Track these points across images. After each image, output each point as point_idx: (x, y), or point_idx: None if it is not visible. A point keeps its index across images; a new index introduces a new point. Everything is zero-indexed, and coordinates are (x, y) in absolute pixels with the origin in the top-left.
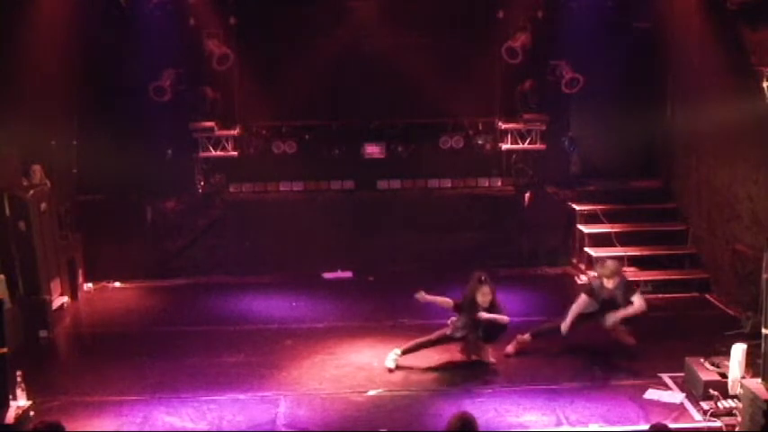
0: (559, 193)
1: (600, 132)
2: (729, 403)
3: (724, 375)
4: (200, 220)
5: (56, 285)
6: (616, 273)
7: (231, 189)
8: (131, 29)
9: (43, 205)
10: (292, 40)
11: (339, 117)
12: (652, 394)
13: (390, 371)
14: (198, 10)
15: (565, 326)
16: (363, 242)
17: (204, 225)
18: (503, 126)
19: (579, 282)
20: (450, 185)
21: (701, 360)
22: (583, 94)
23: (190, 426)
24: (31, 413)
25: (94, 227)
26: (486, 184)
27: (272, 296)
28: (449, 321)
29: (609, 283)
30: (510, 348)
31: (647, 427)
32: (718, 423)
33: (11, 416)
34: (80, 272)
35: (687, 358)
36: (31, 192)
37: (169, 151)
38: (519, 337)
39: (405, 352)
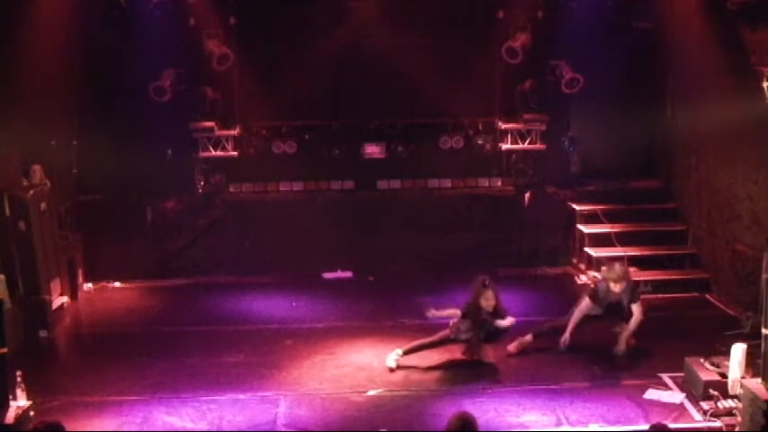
0: (559, 193)
1: (600, 132)
2: (729, 403)
3: (724, 375)
4: (200, 220)
5: (56, 285)
6: (624, 277)
7: (231, 189)
8: (131, 29)
9: (43, 205)
10: (292, 40)
11: (339, 117)
12: (652, 394)
13: (391, 370)
14: (198, 10)
15: (564, 339)
16: (363, 242)
17: (204, 225)
18: (503, 126)
19: (579, 282)
20: (450, 185)
21: (701, 360)
22: (583, 94)
23: (190, 426)
24: (31, 413)
25: (94, 227)
26: (486, 184)
27: (272, 296)
28: (450, 323)
29: (616, 287)
30: (511, 348)
31: (647, 427)
32: (718, 423)
33: (11, 416)
34: (80, 272)
35: (687, 358)
36: (31, 192)
37: (169, 151)
38: (520, 337)
39: (406, 352)
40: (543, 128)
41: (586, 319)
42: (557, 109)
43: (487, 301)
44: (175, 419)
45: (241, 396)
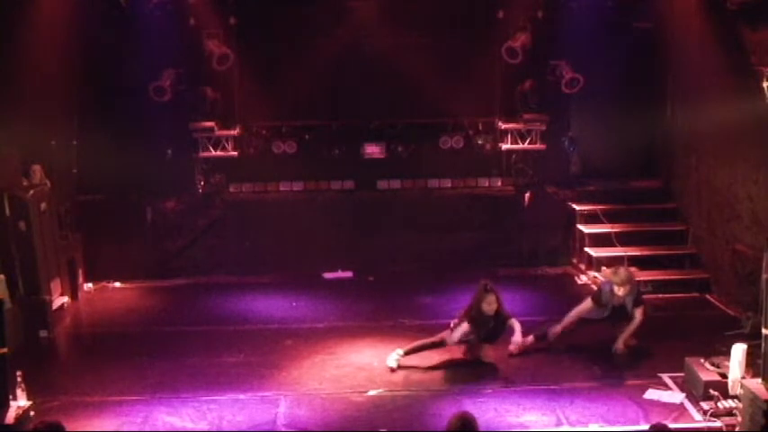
0: (559, 193)
1: (600, 132)
2: (729, 403)
3: (724, 375)
4: (201, 220)
5: (56, 285)
6: (628, 281)
7: (231, 189)
8: (131, 29)
9: (43, 205)
10: (292, 40)
11: (339, 117)
12: (652, 394)
13: (392, 370)
14: (198, 10)
15: (554, 331)
16: (363, 242)
17: (204, 225)
18: (503, 126)
19: (579, 282)
20: (450, 185)
21: (701, 360)
22: (583, 94)
23: (190, 426)
24: (31, 413)
25: (94, 227)
26: (486, 184)
27: (272, 296)
28: (451, 324)
29: (620, 291)
30: (513, 348)
31: (647, 427)
32: (718, 423)
33: (11, 416)
34: (80, 272)
35: (687, 358)
36: (31, 192)
37: (169, 151)
38: (523, 339)
39: (407, 353)
40: (543, 128)
41: (589, 322)
42: (557, 109)
43: (489, 305)
44: (175, 419)
45: (241, 396)
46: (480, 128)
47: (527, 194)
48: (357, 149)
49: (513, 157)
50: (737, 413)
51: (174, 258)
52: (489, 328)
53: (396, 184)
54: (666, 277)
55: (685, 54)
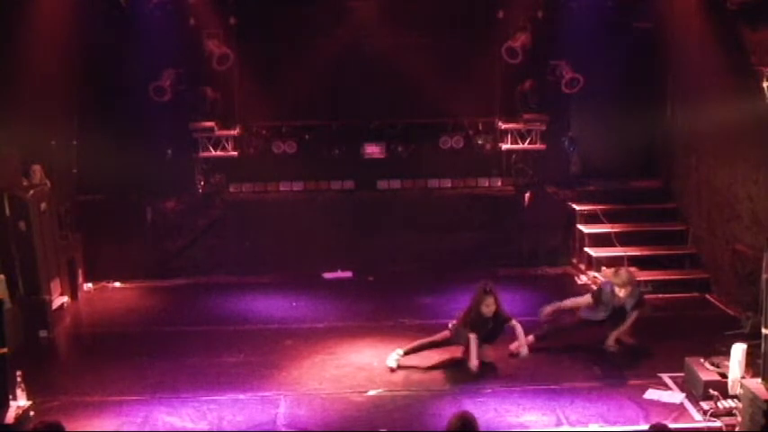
0: (559, 193)
1: (600, 132)
2: (729, 403)
3: (724, 375)
4: (201, 220)
5: (56, 285)
6: (629, 282)
7: (231, 189)
8: (131, 29)
9: (43, 205)
10: (292, 40)
11: (339, 117)
12: (652, 394)
13: (392, 370)
14: (198, 10)
15: (546, 311)
16: (363, 242)
17: (204, 225)
18: (503, 126)
19: (579, 282)
20: (450, 185)
21: (701, 360)
22: (583, 94)
23: (190, 426)
24: (31, 413)
25: (94, 227)
26: (486, 184)
27: (272, 296)
28: (449, 325)
29: (621, 292)
30: (513, 348)
31: (647, 427)
32: (718, 423)
33: (11, 416)
34: (80, 272)
35: (687, 358)
36: (31, 192)
37: (169, 151)
38: (525, 339)
39: (407, 352)
40: (543, 128)
41: (589, 323)
42: (557, 109)
43: (488, 307)
44: (175, 419)
45: (241, 396)
46: (480, 128)
47: (527, 194)
48: (357, 149)
49: (513, 157)
50: (737, 413)
51: (174, 258)
52: (488, 330)
53: (396, 184)
54: (666, 277)
55: (685, 54)
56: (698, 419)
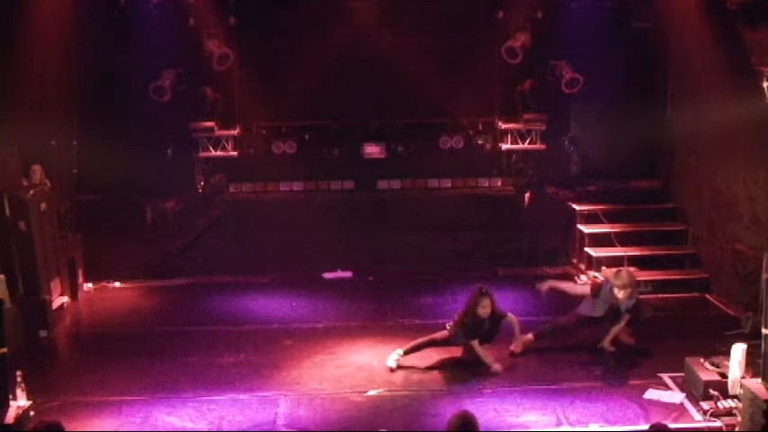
0: (559, 193)
1: (600, 132)
2: (729, 403)
3: (724, 375)
4: (201, 220)
5: (56, 285)
6: (629, 285)
7: (231, 189)
8: (131, 29)
9: (43, 205)
10: (292, 41)
11: (339, 117)
12: (652, 394)
13: (392, 370)
14: (198, 10)
15: (544, 286)
16: (363, 242)
17: (204, 225)
18: (503, 126)
19: (579, 282)
20: (450, 185)
21: (701, 360)
22: (583, 94)
23: (190, 426)
24: (31, 413)
25: (94, 227)
26: (486, 184)
27: (272, 296)
28: (447, 326)
29: (620, 294)
30: (514, 348)
31: (647, 427)
32: (718, 423)
33: (11, 416)
34: (80, 272)
35: (687, 358)
36: (31, 192)
37: (169, 151)
38: (522, 336)
39: (407, 352)
40: (543, 128)
41: (585, 322)
42: (557, 109)
43: (484, 308)
44: (175, 419)
45: (241, 396)
46: (480, 128)
47: (527, 194)
48: (357, 149)
49: (513, 157)
50: (737, 413)
51: (174, 258)
52: (485, 331)
53: (396, 184)
54: (666, 277)
55: (685, 54)
56: (698, 419)
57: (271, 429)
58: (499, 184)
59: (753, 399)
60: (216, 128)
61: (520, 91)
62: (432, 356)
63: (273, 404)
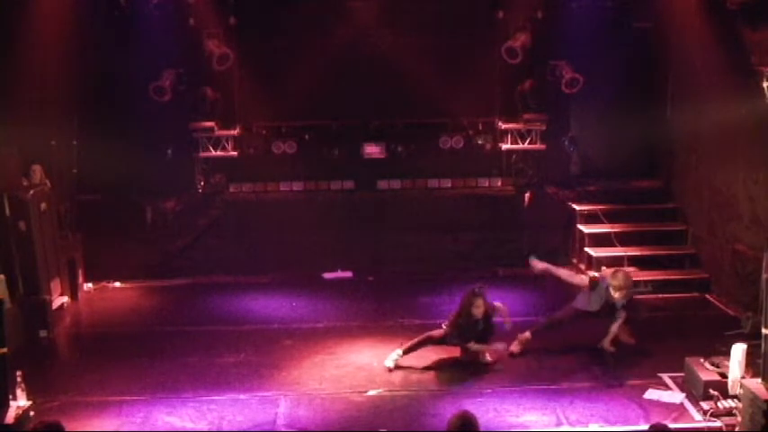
0: (559, 193)
1: (600, 132)
2: (729, 403)
3: (724, 375)
4: (201, 220)
5: (56, 285)
6: (625, 287)
7: (231, 189)
8: (131, 29)
9: (43, 205)
10: (292, 40)
11: (339, 117)
12: (652, 394)
13: (389, 370)
14: (198, 10)
15: (539, 265)
16: (363, 242)
17: (204, 225)
18: (503, 126)
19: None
20: (450, 185)
21: (701, 360)
22: (583, 94)
23: (190, 426)
24: (31, 413)
25: (94, 227)
26: (486, 184)
27: (272, 296)
28: (443, 325)
29: (616, 294)
30: (514, 348)
31: (647, 427)
32: (718, 423)
33: (11, 416)
34: (80, 272)
35: (687, 358)
36: (31, 192)
37: (169, 151)
38: (520, 335)
39: (406, 351)
40: (543, 128)
41: (580, 316)
42: (557, 109)
43: (478, 308)
44: (175, 419)
45: (241, 396)
46: (480, 128)
47: (527, 194)
48: (357, 149)
49: (513, 157)
50: (737, 413)
51: (174, 258)
52: (478, 331)
53: (396, 184)
54: (666, 277)
55: (685, 54)
56: (698, 419)
57: (271, 429)
58: (499, 184)
59: (753, 399)
60: (216, 128)
61: (520, 91)
62: (431, 356)
63: (273, 404)
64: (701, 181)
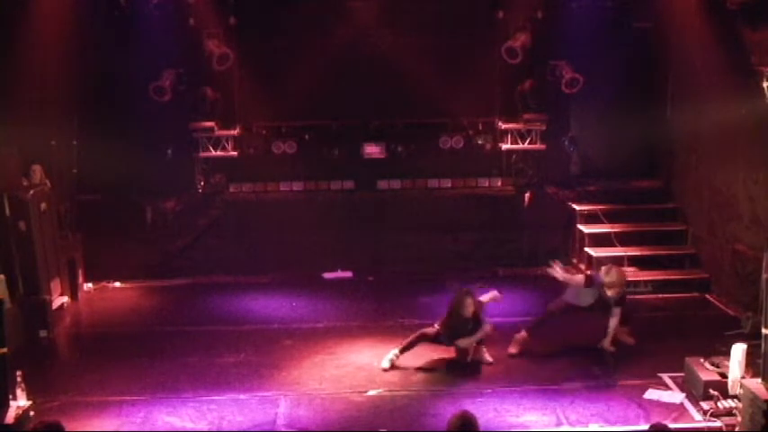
0: (559, 193)
1: (600, 132)
2: (729, 403)
3: (724, 375)
4: (201, 220)
5: (56, 285)
6: (618, 285)
7: (231, 189)
8: (131, 29)
9: (43, 205)
10: (292, 40)
11: (339, 117)
12: (652, 394)
13: (385, 370)
14: (198, 10)
15: (557, 270)
16: (363, 242)
17: (204, 225)
18: (503, 126)
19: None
20: (450, 185)
21: (701, 360)
22: (583, 94)
23: (190, 426)
24: (31, 413)
25: (94, 227)
26: (486, 184)
27: (272, 296)
28: (435, 326)
29: (609, 292)
30: (512, 349)
31: (647, 427)
32: (718, 423)
33: (11, 416)
34: (80, 272)
35: (687, 358)
36: (31, 192)
37: (169, 151)
38: (516, 336)
39: (402, 350)
40: (543, 128)
41: (574, 309)
42: (557, 109)
43: (467, 308)
44: (175, 419)
45: (241, 396)
46: (480, 128)
47: (527, 194)
48: (357, 149)
49: (513, 157)
50: (737, 413)
51: (174, 258)
52: (468, 330)
53: (396, 184)
54: (666, 277)
55: (685, 54)
56: (698, 419)
57: (271, 429)
58: (499, 184)
59: (753, 399)
60: (216, 128)
61: (520, 91)
62: (430, 356)
63: (273, 404)
64: (700, 181)
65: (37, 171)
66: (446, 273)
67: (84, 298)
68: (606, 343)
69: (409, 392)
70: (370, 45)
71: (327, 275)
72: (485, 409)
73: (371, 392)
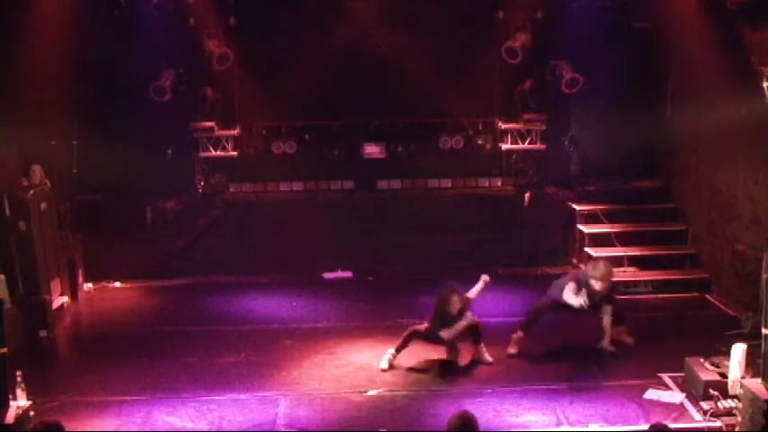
0: (559, 193)
1: (600, 132)
2: (729, 403)
3: (724, 375)
4: (201, 220)
5: (56, 285)
6: (606, 278)
7: (231, 189)
8: (131, 29)
9: (43, 205)
10: (292, 40)
11: (339, 117)
12: (652, 394)
13: (383, 371)
14: (198, 10)
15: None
16: (363, 242)
17: (204, 225)
18: (503, 126)
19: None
20: (450, 185)
21: (701, 360)
22: (583, 94)
23: (190, 426)
24: (31, 413)
25: (94, 227)
26: (486, 184)
27: (272, 296)
28: (426, 323)
29: (596, 285)
30: (511, 349)
31: (647, 427)
32: (718, 423)
33: (11, 416)
34: (80, 272)
35: (687, 358)
36: (31, 192)
37: (169, 151)
38: (513, 336)
39: (398, 350)
40: (543, 128)
41: (566, 307)
42: (557, 109)
43: (453, 305)
44: (175, 419)
45: (241, 396)
46: (480, 128)
47: (527, 194)
48: (357, 149)
49: (513, 157)
50: (737, 413)
51: (174, 258)
52: (450, 325)
53: (396, 184)
54: (666, 277)
55: (685, 54)
56: (698, 419)
57: (271, 429)
58: (499, 184)
59: (753, 399)
60: (216, 128)
61: (520, 91)
62: (430, 356)
63: (273, 404)
64: (701, 181)
65: (37, 171)
66: (446, 273)
67: (84, 298)
68: (605, 342)
69: (409, 392)
70: (370, 45)
71: (327, 275)
72: (485, 409)
73: (371, 392)
